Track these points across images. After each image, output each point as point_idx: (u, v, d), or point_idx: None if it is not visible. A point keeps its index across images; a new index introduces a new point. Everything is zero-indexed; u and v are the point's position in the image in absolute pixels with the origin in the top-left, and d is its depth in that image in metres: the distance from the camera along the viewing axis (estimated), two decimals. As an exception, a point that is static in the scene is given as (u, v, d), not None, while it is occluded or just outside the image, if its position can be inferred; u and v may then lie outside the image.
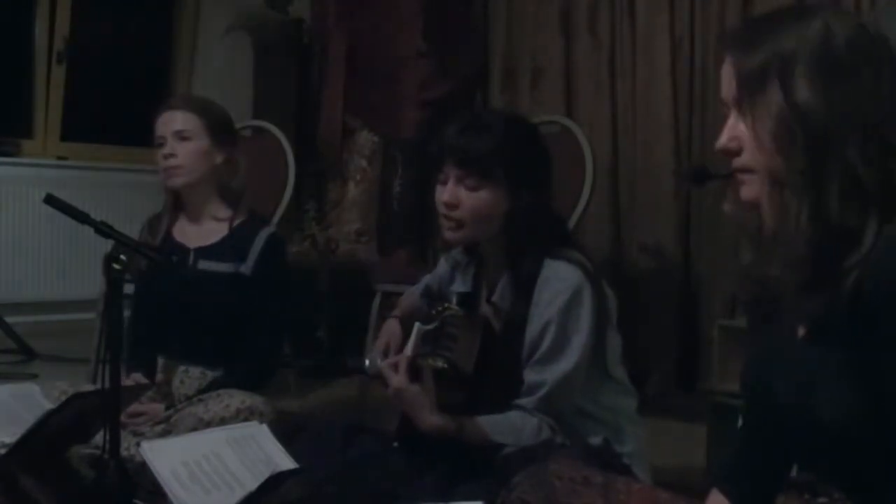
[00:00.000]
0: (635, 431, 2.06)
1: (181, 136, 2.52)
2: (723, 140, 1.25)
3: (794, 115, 1.17)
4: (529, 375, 1.96)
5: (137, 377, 2.42)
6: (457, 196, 1.99)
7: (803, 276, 1.19)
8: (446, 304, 2.00)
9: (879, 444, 1.20)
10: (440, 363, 1.94)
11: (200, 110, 2.57)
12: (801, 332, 1.29)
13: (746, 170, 1.23)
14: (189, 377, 2.49)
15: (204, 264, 2.54)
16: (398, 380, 1.92)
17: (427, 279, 2.32)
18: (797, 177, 1.17)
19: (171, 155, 2.52)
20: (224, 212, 2.60)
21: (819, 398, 1.21)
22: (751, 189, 1.23)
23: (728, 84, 1.24)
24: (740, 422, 1.47)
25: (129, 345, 2.45)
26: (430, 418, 1.91)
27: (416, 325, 1.97)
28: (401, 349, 2.09)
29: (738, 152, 1.23)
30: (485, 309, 2.09)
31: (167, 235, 2.61)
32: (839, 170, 1.15)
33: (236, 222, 2.58)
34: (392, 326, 2.21)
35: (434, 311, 2.00)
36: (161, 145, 2.54)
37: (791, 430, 1.31)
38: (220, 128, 2.59)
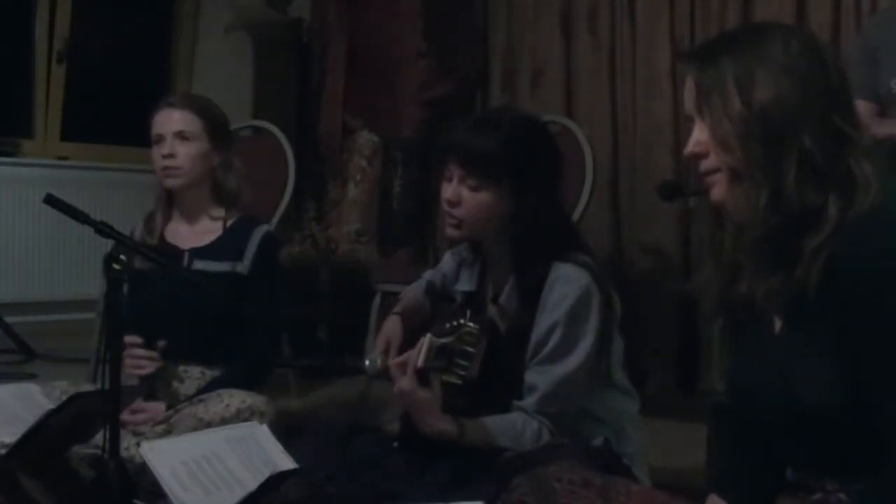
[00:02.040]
0: (637, 433, 2.06)
1: (181, 137, 2.51)
2: (689, 147, 1.40)
3: (753, 115, 1.31)
4: (530, 376, 1.96)
5: (133, 339, 2.39)
6: (459, 195, 1.98)
7: (766, 256, 1.33)
8: (462, 321, 1.97)
9: (863, 426, 1.25)
10: (454, 380, 1.93)
11: (201, 111, 2.55)
12: (777, 327, 1.39)
13: (713, 170, 1.37)
14: (188, 377, 2.49)
15: (199, 264, 2.53)
16: (406, 382, 1.91)
17: (429, 275, 2.30)
18: (756, 168, 1.31)
19: (171, 155, 2.50)
20: (218, 212, 2.59)
21: (800, 387, 1.30)
22: (719, 189, 1.37)
23: (690, 97, 1.39)
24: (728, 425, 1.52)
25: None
26: (436, 423, 1.91)
27: (429, 336, 1.94)
28: (401, 348, 2.07)
29: (705, 155, 1.38)
30: (490, 309, 2.08)
31: (160, 237, 2.59)
32: (796, 157, 1.29)
33: (230, 222, 2.58)
34: (393, 324, 2.19)
35: (449, 326, 1.96)
36: (159, 143, 2.52)
37: (779, 426, 1.34)
38: (218, 129, 2.57)
